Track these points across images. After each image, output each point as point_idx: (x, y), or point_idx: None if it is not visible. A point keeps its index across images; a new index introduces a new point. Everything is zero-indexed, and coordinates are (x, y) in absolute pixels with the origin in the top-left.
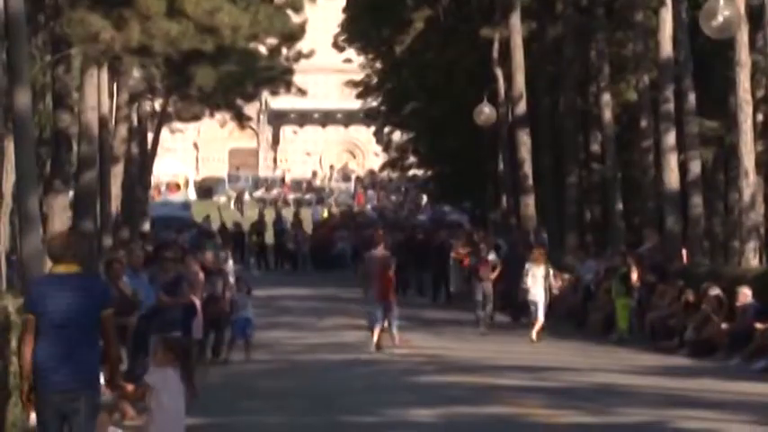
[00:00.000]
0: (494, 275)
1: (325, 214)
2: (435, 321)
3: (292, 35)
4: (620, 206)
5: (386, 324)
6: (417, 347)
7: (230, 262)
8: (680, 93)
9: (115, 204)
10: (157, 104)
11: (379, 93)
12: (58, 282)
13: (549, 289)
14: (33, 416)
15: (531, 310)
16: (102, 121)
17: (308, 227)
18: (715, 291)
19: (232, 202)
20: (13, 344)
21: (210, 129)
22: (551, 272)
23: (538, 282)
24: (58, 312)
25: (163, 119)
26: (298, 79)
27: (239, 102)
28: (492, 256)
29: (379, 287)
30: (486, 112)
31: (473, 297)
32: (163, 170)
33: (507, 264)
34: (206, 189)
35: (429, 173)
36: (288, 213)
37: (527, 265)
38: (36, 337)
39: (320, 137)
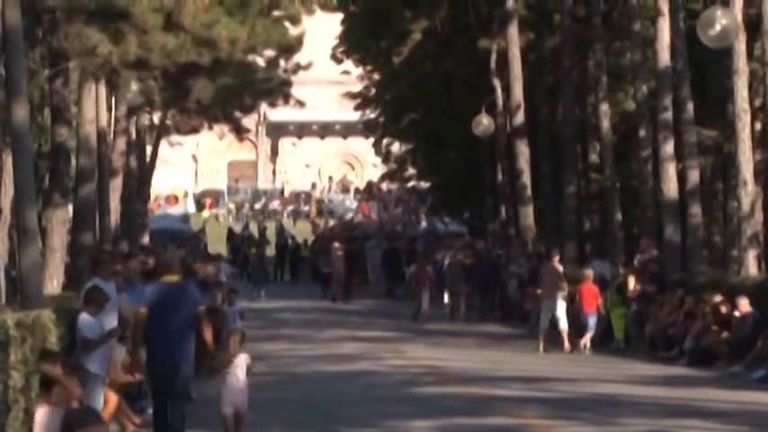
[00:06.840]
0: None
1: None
2: (432, 332)
3: (290, 47)
4: (618, 216)
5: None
6: (415, 358)
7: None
8: (678, 102)
9: (114, 217)
10: (156, 117)
11: (378, 104)
12: (165, 287)
13: None
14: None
15: None
16: (101, 135)
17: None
18: (717, 298)
19: (231, 216)
20: (12, 358)
21: (209, 141)
22: None
23: None
24: (165, 308)
25: (161, 132)
26: (296, 91)
27: (237, 114)
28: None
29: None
30: (484, 122)
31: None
32: (162, 183)
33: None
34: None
35: (428, 184)
36: (288, 225)
37: None
38: (148, 326)
39: (319, 148)
